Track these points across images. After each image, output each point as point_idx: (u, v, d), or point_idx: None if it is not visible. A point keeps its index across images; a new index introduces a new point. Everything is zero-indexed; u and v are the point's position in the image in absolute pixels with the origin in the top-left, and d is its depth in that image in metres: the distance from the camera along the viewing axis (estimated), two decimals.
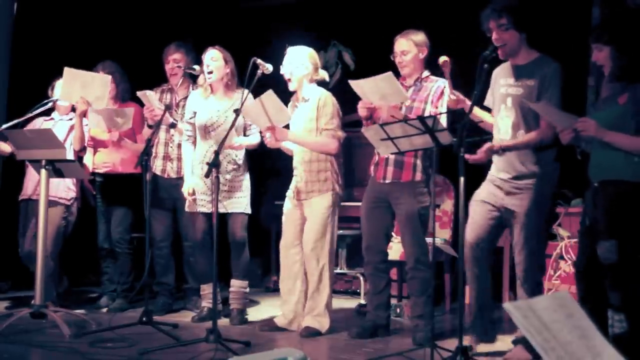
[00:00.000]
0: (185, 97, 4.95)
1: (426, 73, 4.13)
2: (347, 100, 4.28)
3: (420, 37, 4.11)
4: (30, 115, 4.80)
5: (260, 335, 4.12)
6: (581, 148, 3.34)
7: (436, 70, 4.09)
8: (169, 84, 5.04)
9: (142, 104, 4.66)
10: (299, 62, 4.23)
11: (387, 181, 4.07)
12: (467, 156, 3.35)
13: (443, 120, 3.81)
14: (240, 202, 4.53)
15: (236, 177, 4.52)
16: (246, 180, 4.60)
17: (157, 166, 4.95)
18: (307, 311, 4.22)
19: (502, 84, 3.65)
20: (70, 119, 4.94)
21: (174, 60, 4.93)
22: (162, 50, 5.05)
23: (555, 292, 1.32)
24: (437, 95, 4.03)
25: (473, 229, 3.60)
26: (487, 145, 3.47)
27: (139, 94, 4.56)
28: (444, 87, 4.03)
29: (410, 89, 4.10)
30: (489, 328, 3.71)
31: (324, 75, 4.38)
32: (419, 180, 4.02)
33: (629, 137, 3.11)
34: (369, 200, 4.18)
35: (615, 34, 3.21)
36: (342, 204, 5.57)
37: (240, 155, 4.55)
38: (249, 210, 4.59)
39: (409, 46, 4.07)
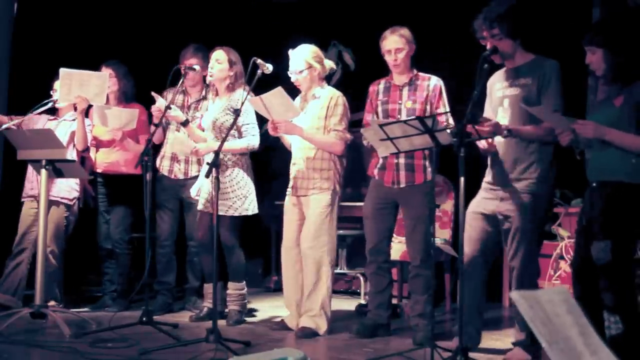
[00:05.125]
0: (198, 100, 4.95)
1: (415, 71, 4.12)
2: (348, 99, 4.28)
3: (408, 32, 4.06)
4: (30, 115, 4.80)
5: (260, 335, 4.11)
6: (580, 149, 3.34)
7: (426, 68, 4.10)
8: (183, 85, 4.91)
9: (146, 106, 4.65)
10: (302, 64, 4.20)
11: (401, 186, 4.05)
12: (472, 128, 3.30)
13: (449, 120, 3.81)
14: (223, 204, 4.36)
15: (223, 178, 4.37)
16: (237, 181, 4.44)
17: (164, 166, 4.94)
18: (303, 311, 4.19)
19: (498, 88, 3.65)
20: (73, 120, 4.88)
21: (191, 65, 4.80)
22: (163, 49, 5.04)
23: (557, 287, 1.33)
24: (437, 97, 4.03)
25: (469, 244, 3.57)
26: (495, 121, 3.43)
27: (154, 94, 4.51)
28: (441, 86, 4.03)
29: (405, 89, 4.09)
30: (474, 335, 3.71)
31: (331, 65, 4.32)
32: (430, 180, 4.02)
33: (629, 135, 3.10)
34: (375, 201, 4.15)
35: (608, 36, 3.19)
36: (347, 203, 5.61)
37: (228, 155, 4.44)
38: (235, 212, 4.41)
39: (402, 43, 4.02)
